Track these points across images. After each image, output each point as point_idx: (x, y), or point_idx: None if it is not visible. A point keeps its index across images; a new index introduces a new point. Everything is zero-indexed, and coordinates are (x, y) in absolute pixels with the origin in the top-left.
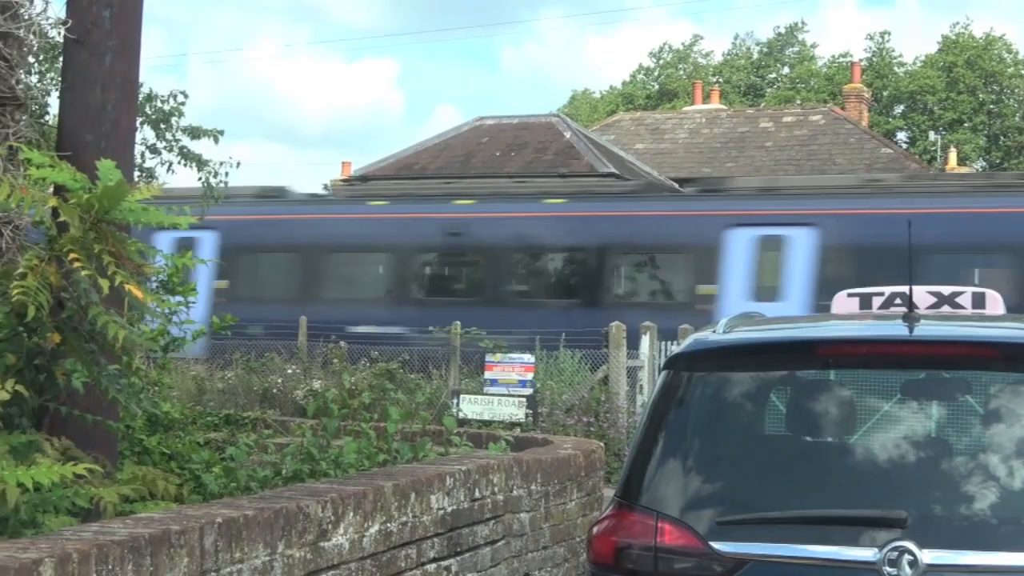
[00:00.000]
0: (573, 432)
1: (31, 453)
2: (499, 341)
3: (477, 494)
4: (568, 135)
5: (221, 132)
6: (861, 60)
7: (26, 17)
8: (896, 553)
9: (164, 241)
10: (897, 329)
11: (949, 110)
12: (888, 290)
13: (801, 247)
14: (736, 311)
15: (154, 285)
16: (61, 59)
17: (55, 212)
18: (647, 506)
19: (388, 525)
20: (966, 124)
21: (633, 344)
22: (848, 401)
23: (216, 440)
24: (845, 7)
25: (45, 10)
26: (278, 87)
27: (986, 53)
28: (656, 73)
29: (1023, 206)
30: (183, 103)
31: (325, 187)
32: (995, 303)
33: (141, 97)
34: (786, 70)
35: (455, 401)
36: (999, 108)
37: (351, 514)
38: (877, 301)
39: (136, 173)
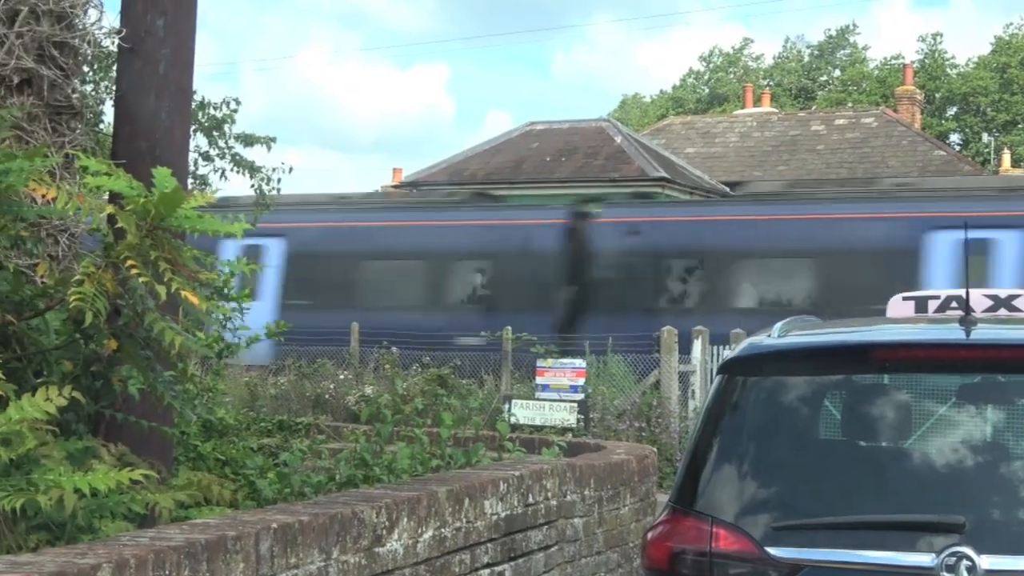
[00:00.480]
0: (625, 437)
1: (88, 459)
2: (550, 346)
3: (531, 499)
4: (619, 140)
5: (273, 139)
6: (913, 62)
7: (80, 27)
8: (954, 559)
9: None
10: (954, 333)
11: (1002, 112)
12: (944, 293)
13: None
14: None
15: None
16: (115, 67)
17: (111, 219)
18: (702, 511)
19: (442, 530)
20: (1020, 125)
21: (683, 349)
22: (904, 405)
23: (270, 446)
24: (896, 8)
25: (99, 19)
26: (329, 94)
27: None
28: (706, 77)
29: None
30: (235, 110)
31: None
32: None
33: (194, 105)
34: (837, 73)
35: (507, 406)
36: None
37: (405, 519)
38: (933, 304)
39: (190, 180)
